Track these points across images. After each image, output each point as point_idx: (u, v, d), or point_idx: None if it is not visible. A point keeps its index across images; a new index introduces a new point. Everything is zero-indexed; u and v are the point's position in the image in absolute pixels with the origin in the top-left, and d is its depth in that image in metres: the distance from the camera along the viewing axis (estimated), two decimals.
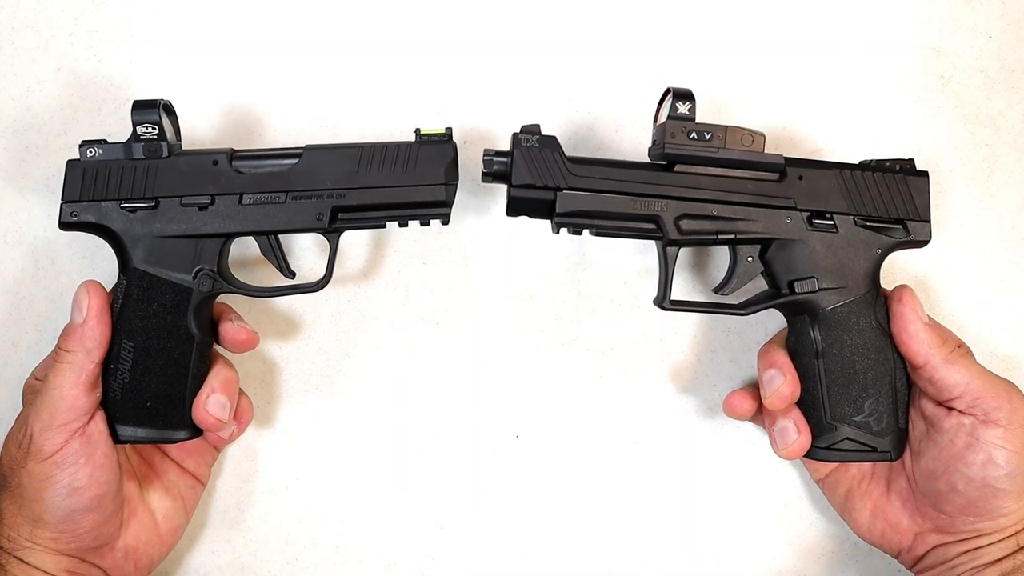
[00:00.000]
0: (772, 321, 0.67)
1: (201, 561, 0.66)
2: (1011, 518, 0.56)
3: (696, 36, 0.70)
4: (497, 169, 0.57)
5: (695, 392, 0.68)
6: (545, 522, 0.67)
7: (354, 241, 0.68)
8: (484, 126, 0.68)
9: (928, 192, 0.60)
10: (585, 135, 0.69)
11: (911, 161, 0.61)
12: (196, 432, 0.59)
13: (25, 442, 0.54)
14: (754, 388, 0.63)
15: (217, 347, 0.62)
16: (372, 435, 0.67)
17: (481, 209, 0.68)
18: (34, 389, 0.58)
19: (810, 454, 0.60)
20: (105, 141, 0.59)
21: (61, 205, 0.58)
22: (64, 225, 0.58)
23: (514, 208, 0.58)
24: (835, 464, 0.63)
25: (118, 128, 0.69)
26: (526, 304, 0.68)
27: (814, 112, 0.69)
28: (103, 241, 0.68)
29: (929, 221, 0.60)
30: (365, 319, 0.68)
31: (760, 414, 0.63)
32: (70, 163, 0.58)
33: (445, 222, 0.61)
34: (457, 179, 0.60)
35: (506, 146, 0.59)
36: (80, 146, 0.59)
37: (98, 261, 0.67)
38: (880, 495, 0.61)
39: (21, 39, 0.70)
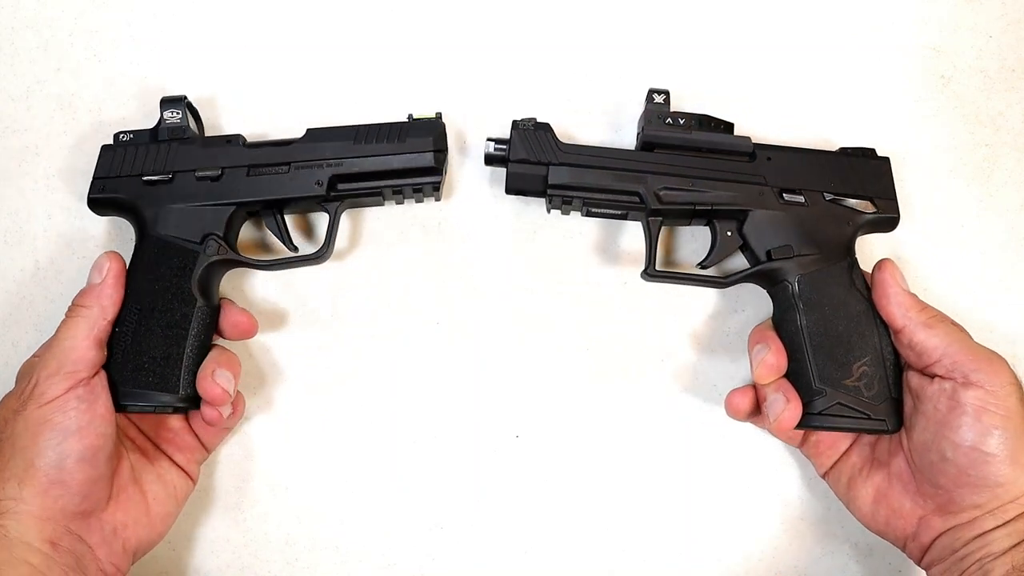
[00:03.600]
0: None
1: (201, 561, 0.66)
2: (1009, 489, 0.54)
3: (696, 37, 0.70)
4: (498, 154, 0.64)
5: (695, 392, 0.68)
6: (545, 522, 0.67)
7: (354, 241, 0.68)
8: (482, 129, 0.68)
9: (891, 173, 0.64)
10: (584, 136, 0.69)
11: (872, 150, 0.65)
12: (192, 404, 0.60)
13: (28, 389, 0.55)
14: (753, 386, 0.63)
15: (221, 341, 0.63)
16: (372, 435, 0.67)
17: (481, 209, 0.69)
18: (32, 366, 0.58)
19: (804, 423, 0.60)
20: (136, 131, 0.64)
21: (92, 181, 0.63)
22: (92, 203, 0.63)
23: (512, 183, 0.64)
24: (838, 454, 0.63)
25: (117, 128, 0.68)
26: (526, 304, 0.68)
27: (814, 112, 0.69)
28: (101, 241, 0.68)
29: (895, 199, 0.63)
30: (365, 319, 0.68)
31: (760, 412, 0.63)
32: (104, 147, 0.64)
33: (437, 191, 0.65)
34: (446, 148, 0.65)
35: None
36: (114, 135, 0.64)
37: None
38: (881, 480, 0.60)
39: (21, 39, 0.70)
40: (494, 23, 0.70)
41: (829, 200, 0.62)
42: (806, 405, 0.60)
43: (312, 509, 0.67)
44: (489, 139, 0.64)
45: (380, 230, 0.68)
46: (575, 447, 0.67)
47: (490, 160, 0.65)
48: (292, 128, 0.68)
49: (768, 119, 0.69)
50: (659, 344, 0.68)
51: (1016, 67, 0.70)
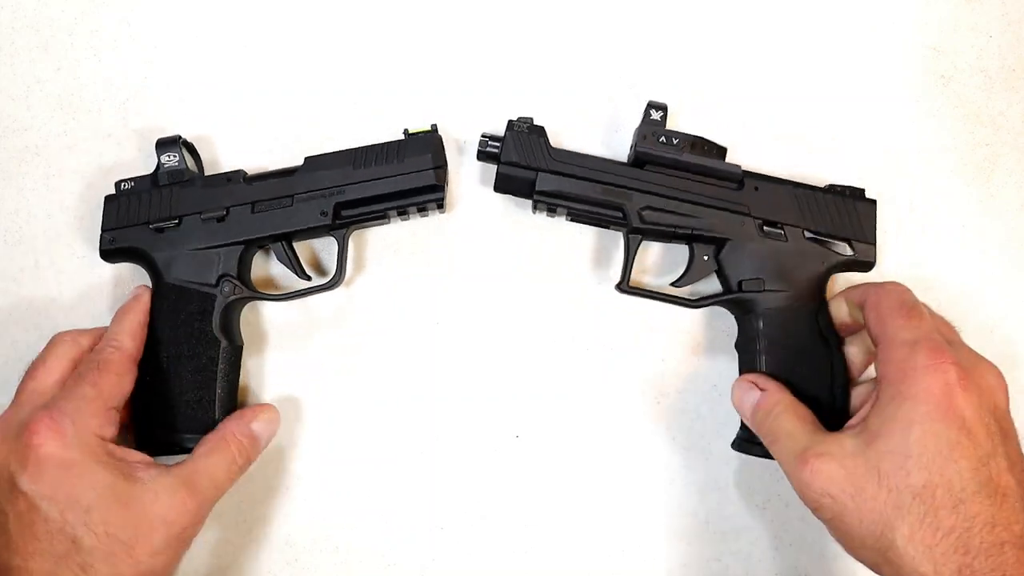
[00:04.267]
0: None
1: (201, 561, 0.66)
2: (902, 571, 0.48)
3: (696, 38, 0.70)
4: (490, 151, 0.64)
5: (694, 391, 0.68)
6: (545, 522, 0.67)
7: (353, 242, 0.68)
8: (479, 127, 0.68)
9: (875, 217, 0.64)
10: (582, 132, 0.69)
11: (862, 190, 0.64)
12: None
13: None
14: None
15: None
16: (372, 435, 0.67)
17: (482, 210, 0.69)
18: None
19: (747, 450, 0.62)
20: (136, 178, 0.64)
21: (101, 234, 0.63)
22: (104, 254, 0.64)
23: (501, 183, 0.65)
24: None
25: (117, 128, 0.69)
26: (526, 304, 0.68)
27: (814, 112, 0.69)
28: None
29: (874, 244, 0.63)
30: (364, 319, 0.68)
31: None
32: (107, 197, 0.64)
33: (441, 207, 0.65)
34: (446, 163, 0.64)
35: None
36: (116, 184, 0.64)
37: (97, 260, 0.67)
38: None
39: (21, 39, 0.70)
40: (494, 18, 0.70)
41: (808, 238, 0.63)
42: (752, 434, 0.61)
43: (312, 510, 0.67)
44: (483, 135, 0.64)
45: (380, 232, 0.68)
46: (575, 447, 0.67)
47: (482, 156, 0.65)
48: (289, 131, 0.69)
49: (767, 119, 0.69)
50: (658, 343, 0.68)
51: (1016, 67, 0.70)
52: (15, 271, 0.68)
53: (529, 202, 0.68)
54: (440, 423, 0.67)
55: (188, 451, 0.59)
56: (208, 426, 0.60)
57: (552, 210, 0.65)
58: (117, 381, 0.57)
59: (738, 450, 0.63)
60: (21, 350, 0.66)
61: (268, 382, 0.67)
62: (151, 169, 0.64)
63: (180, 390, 0.61)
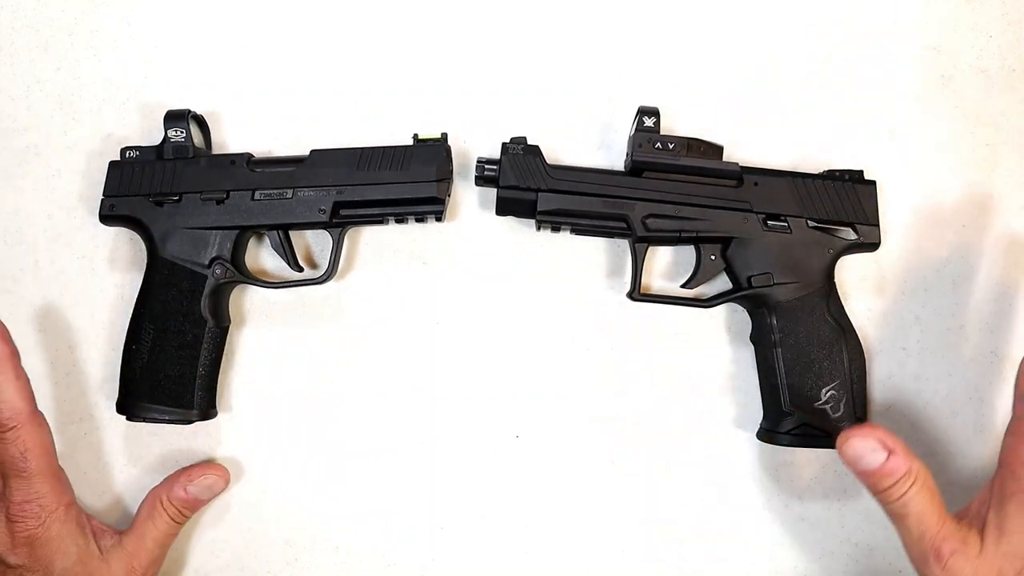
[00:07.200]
0: None
1: (201, 561, 0.66)
2: None
3: (696, 39, 0.70)
4: (488, 175, 0.64)
5: (695, 392, 0.68)
6: (545, 522, 0.67)
7: (353, 241, 0.68)
8: (483, 139, 0.69)
9: (876, 198, 0.64)
10: (578, 135, 0.69)
11: (860, 172, 0.65)
12: (204, 418, 0.63)
13: None
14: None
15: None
16: (372, 435, 0.67)
17: (482, 210, 0.69)
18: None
19: (772, 440, 0.63)
20: (142, 147, 0.65)
21: (102, 199, 0.63)
22: (104, 218, 0.64)
23: (502, 207, 0.64)
24: None
25: (117, 128, 0.69)
26: (526, 304, 0.68)
27: (815, 112, 0.69)
28: (101, 241, 0.68)
29: (877, 225, 0.64)
30: (364, 319, 0.68)
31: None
32: (112, 163, 0.64)
33: (439, 219, 0.65)
34: (450, 176, 0.64)
35: (497, 156, 0.64)
36: (121, 150, 0.64)
37: (97, 260, 0.68)
38: None
39: (21, 39, 0.70)
40: (496, 20, 0.70)
41: (812, 226, 0.63)
42: (776, 424, 0.62)
43: (312, 509, 0.67)
44: (480, 160, 0.64)
45: (380, 231, 0.68)
46: (575, 447, 0.67)
47: (480, 180, 0.64)
48: (292, 131, 0.68)
49: (766, 120, 0.69)
50: (659, 344, 0.68)
51: (1016, 67, 0.70)
52: (15, 271, 0.68)
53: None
54: (440, 423, 0.67)
55: (165, 422, 0.62)
56: (186, 402, 0.62)
57: (556, 228, 0.65)
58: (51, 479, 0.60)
59: (764, 440, 0.64)
60: (21, 350, 0.66)
61: (266, 381, 0.68)
62: (158, 140, 0.65)
63: (162, 364, 0.62)
